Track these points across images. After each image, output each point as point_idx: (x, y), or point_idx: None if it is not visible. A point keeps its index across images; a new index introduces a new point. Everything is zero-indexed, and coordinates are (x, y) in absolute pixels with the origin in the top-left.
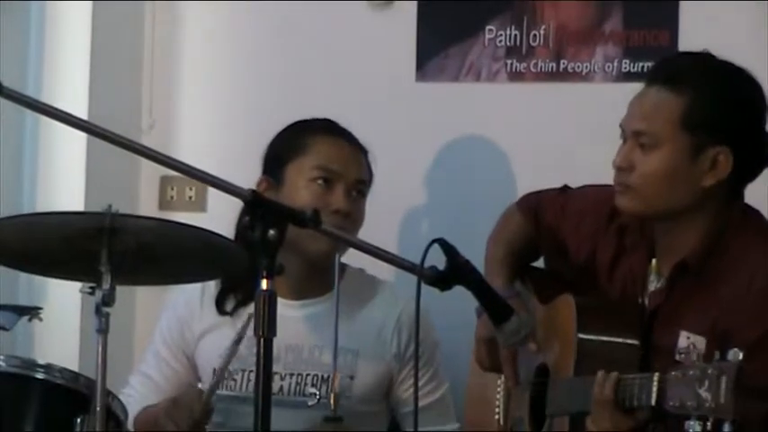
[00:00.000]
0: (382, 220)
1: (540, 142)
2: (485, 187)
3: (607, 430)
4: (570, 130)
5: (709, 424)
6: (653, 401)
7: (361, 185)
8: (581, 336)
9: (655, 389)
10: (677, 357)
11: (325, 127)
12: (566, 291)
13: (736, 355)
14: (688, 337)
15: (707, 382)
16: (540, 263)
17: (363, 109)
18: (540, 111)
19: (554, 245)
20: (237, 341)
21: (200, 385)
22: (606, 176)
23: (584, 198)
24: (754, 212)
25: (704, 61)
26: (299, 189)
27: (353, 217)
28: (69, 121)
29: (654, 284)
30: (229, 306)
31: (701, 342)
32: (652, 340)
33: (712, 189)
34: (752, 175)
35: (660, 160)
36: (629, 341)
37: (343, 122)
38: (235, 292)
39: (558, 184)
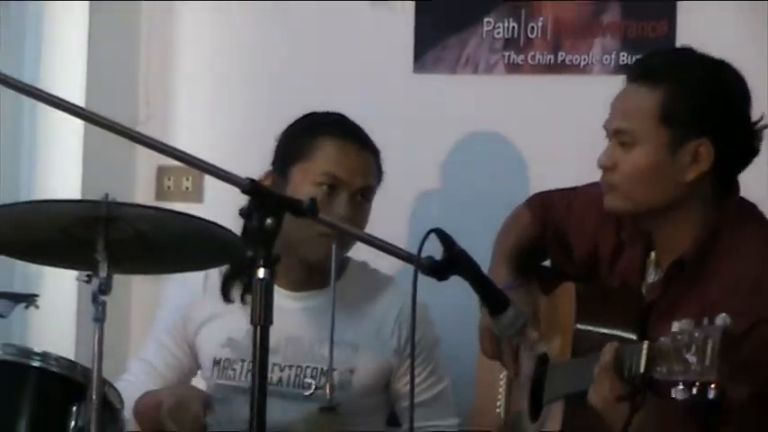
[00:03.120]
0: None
1: (537, 134)
2: (482, 180)
3: (606, 398)
4: (568, 122)
5: (695, 390)
6: (642, 369)
7: (366, 192)
8: (578, 327)
9: (644, 356)
10: None
11: (336, 126)
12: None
13: (725, 320)
14: (680, 326)
15: (693, 347)
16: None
17: (360, 100)
18: (538, 103)
19: (560, 242)
20: None
21: (196, 381)
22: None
23: (587, 196)
24: (749, 205)
25: (680, 56)
26: (304, 191)
27: (355, 222)
28: (65, 107)
29: (652, 277)
30: (235, 293)
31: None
32: (649, 333)
33: (697, 182)
34: (737, 166)
35: (640, 157)
36: (626, 334)
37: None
38: (241, 279)
39: (555, 176)
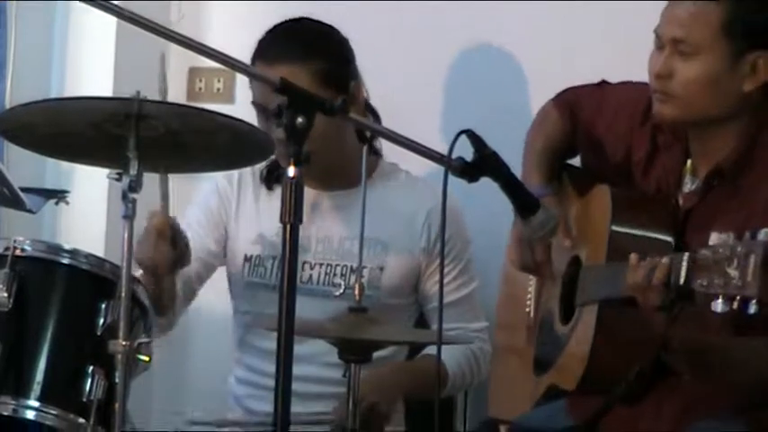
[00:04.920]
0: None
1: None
2: (501, 93)
3: (644, 307)
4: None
5: (735, 304)
6: (682, 280)
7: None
8: (614, 228)
9: (684, 268)
10: None
11: (256, 51)
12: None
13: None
14: (720, 238)
15: (735, 261)
16: (576, 162)
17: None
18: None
19: (590, 141)
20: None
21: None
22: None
23: (619, 95)
24: None
25: None
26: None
27: None
28: (99, 3)
29: (688, 186)
30: (273, 182)
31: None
32: (685, 240)
33: (752, 94)
34: None
35: (701, 67)
36: (663, 237)
37: (360, 27)
38: (280, 169)
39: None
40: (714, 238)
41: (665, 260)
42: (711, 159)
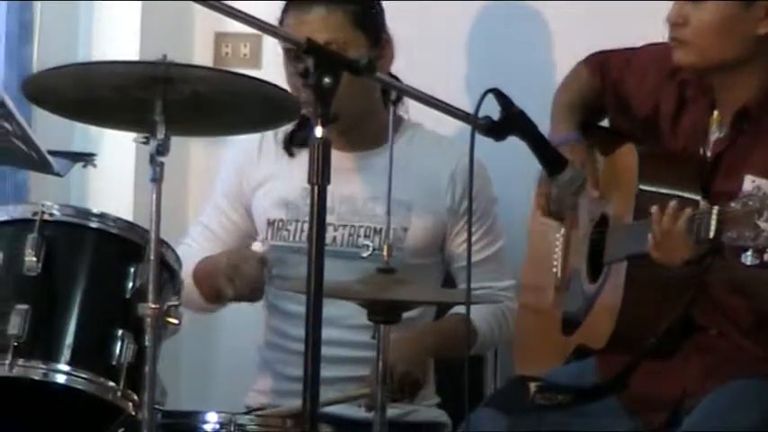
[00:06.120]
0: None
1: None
2: (524, 52)
3: (674, 261)
4: None
5: (766, 256)
6: (711, 234)
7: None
8: (641, 187)
9: (714, 221)
10: None
11: None
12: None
13: None
14: (753, 181)
15: (766, 213)
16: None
17: None
18: None
19: (619, 100)
20: None
21: (255, 245)
22: None
23: (647, 53)
24: None
25: None
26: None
27: None
28: None
29: (716, 135)
30: (296, 149)
31: (766, 185)
32: (714, 189)
33: (767, 38)
34: None
35: (714, 11)
36: (690, 195)
37: None
38: (301, 133)
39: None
40: (748, 181)
41: (687, 210)
42: (737, 105)
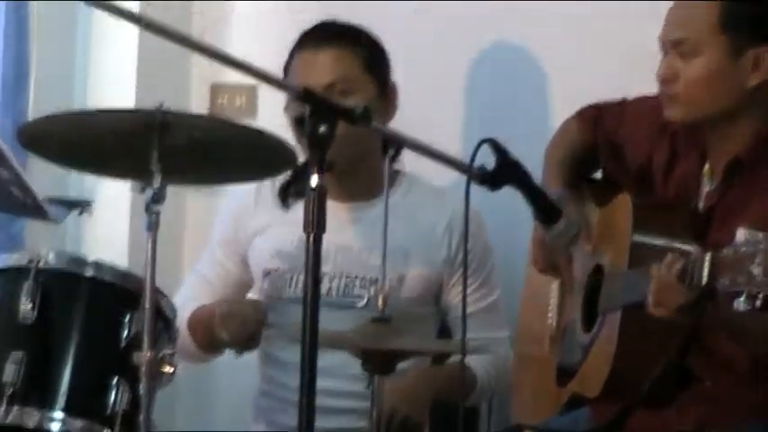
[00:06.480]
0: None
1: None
2: (522, 101)
3: (667, 309)
4: None
5: (758, 302)
6: (704, 280)
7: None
8: (636, 238)
9: (707, 267)
10: None
11: (302, 39)
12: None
13: None
14: (746, 234)
15: (758, 257)
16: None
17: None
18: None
19: (613, 147)
20: None
21: (250, 294)
22: None
23: (639, 105)
24: None
25: None
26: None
27: None
28: (120, 12)
29: (708, 187)
30: (291, 200)
31: (759, 236)
32: (709, 241)
33: (759, 88)
34: None
35: (702, 66)
36: (685, 246)
37: (380, 34)
38: (297, 186)
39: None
40: (741, 233)
41: (682, 260)
42: (728, 157)
